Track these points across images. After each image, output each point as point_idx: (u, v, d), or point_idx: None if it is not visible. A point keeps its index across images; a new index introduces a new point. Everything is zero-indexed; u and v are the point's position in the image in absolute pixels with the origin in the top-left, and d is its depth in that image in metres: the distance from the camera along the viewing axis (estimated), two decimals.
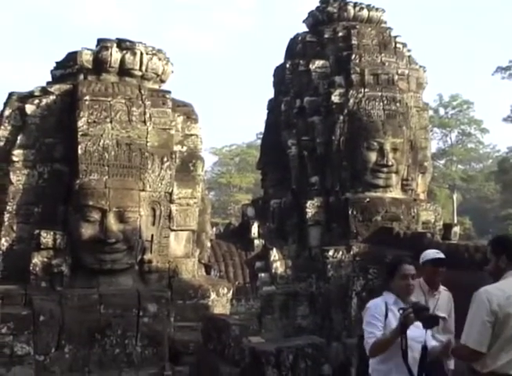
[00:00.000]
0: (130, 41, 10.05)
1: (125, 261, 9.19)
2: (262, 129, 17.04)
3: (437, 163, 41.21)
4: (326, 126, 13.64)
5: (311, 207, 13.52)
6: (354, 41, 14.08)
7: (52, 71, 10.34)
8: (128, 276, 9.40)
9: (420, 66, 15.44)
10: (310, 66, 14.19)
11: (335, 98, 13.60)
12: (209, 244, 11.42)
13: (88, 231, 8.89)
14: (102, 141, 9.11)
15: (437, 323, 4.50)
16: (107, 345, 8.65)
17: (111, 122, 9.24)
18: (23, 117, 9.56)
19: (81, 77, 9.87)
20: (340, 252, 12.69)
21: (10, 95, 9.77)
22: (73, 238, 9.02)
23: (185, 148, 10.37)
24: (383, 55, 14.13)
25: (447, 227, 13.84)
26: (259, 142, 22.10)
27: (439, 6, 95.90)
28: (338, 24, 14.63)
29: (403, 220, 13.12)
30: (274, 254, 13.43)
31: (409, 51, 15.10)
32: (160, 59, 10.33)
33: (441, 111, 45.66)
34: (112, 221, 8.90)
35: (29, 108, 9.54)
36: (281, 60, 15.28)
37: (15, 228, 9.30)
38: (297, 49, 14.89)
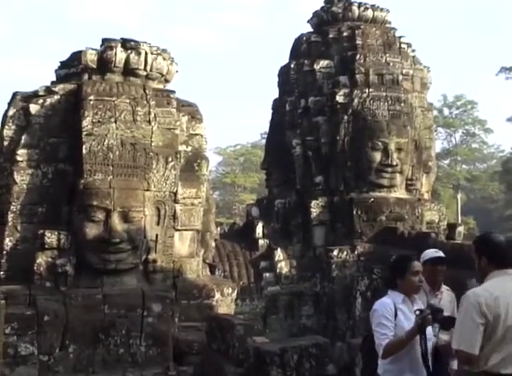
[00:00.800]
0: (135, 41, 10.05)
1: (130, 261, 9.18)
2: (267, 129, 17.10)
3: (441, 163, 41.07)
4: (331, 126, 13.65)
5: (315, 207, 13.54)
6: (358, 41, 14.11)
7: (56, 71, 10.34)
8: (133, 275, 9.39)
9: (425, 67, 15.45)
10: (315, 66, 14.21)
11: (340, 98, 13.61)
12: (213, 244, 11.40)
13: (92, 231, 8.88)
14: (106, 141, 9.11)
15: (454, 325, 4.46)
16: (111, 345, 8.66)
17: (116, 122, 9.23)
18: (28, 116, 9.55)
19: (86, 76, 9.87)
20: (345, 252, 12.70)
21: (14, 94, 9.76)
22: (77, 238, 9.01)
23: (189, 148, 10.37)
24: (387, 55, 14.15)
25: (451, 227, 13.80)
26: (264, 142, 22.04)
27: (443, 7, 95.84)
28: (343, 24, 14.66)
29: (407, 220, 13.14)
30: (278, 254, 13.45)
31: (413, 51, 15.11)
32: (164, 59, 10.33)
33: (446, 111, 45.60)
34: (116, 221, 8.89)
35: (33, 108, 9.53)
36: (286, 60, 15.32)
37: (19, 228, 9.29)
38: (301, 49, 14.91)
